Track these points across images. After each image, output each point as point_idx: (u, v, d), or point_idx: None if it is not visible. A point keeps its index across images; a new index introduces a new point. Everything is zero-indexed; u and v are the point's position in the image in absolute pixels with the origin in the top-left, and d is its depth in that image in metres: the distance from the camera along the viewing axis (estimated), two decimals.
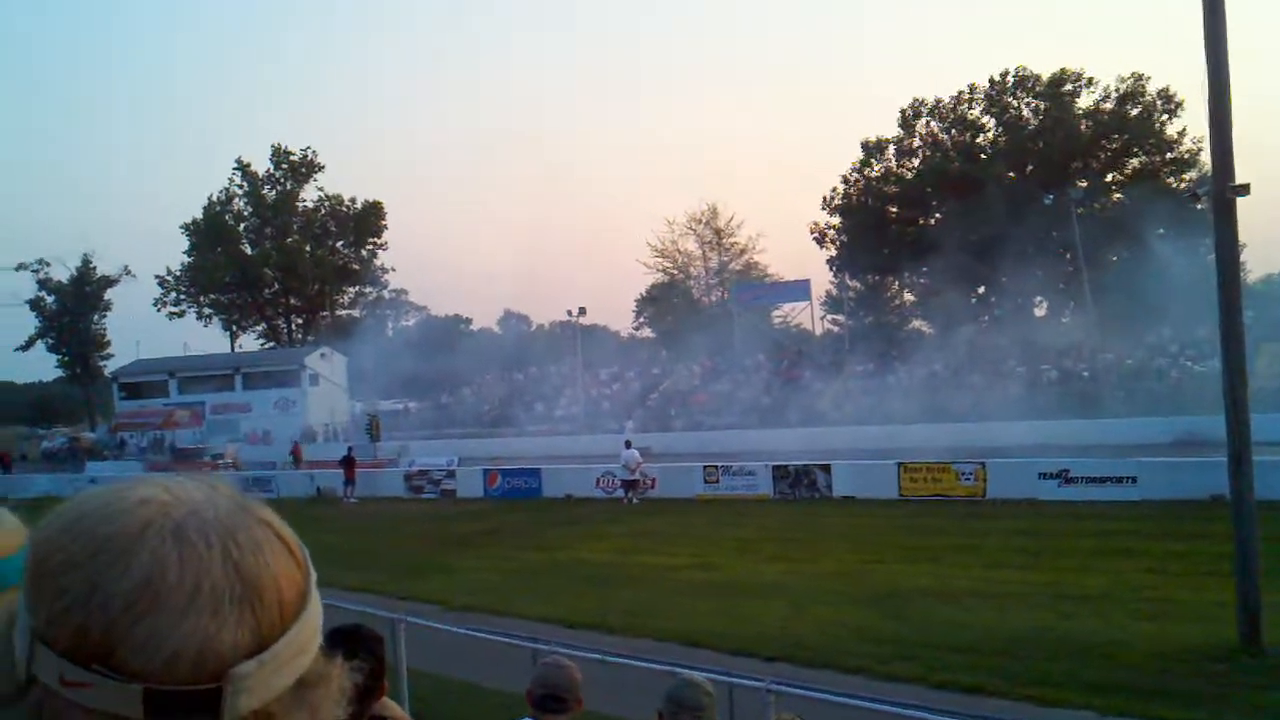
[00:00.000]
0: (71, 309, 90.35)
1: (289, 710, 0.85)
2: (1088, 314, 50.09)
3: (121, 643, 0.77)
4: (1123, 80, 68.79)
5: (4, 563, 1.16)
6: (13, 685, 0.83)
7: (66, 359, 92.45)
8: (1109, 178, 70.26)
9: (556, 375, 70.47)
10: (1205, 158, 63.96)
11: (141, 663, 0.77)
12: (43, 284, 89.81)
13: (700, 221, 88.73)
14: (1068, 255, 62.34)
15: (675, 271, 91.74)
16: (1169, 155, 68.31)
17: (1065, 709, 10.82)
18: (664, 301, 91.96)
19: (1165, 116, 67.90)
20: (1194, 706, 10.67)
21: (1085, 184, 65.52)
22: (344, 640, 3.61)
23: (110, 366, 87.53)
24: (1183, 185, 64.89)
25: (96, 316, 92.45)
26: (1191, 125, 66.65)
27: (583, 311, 63.59)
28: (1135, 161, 69.33)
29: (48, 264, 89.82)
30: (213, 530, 0.83)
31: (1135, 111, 68.13)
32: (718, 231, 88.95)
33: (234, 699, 0.79)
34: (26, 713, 0.82)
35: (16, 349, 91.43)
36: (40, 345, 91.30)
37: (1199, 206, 54.43)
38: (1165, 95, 67.57)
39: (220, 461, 54.10)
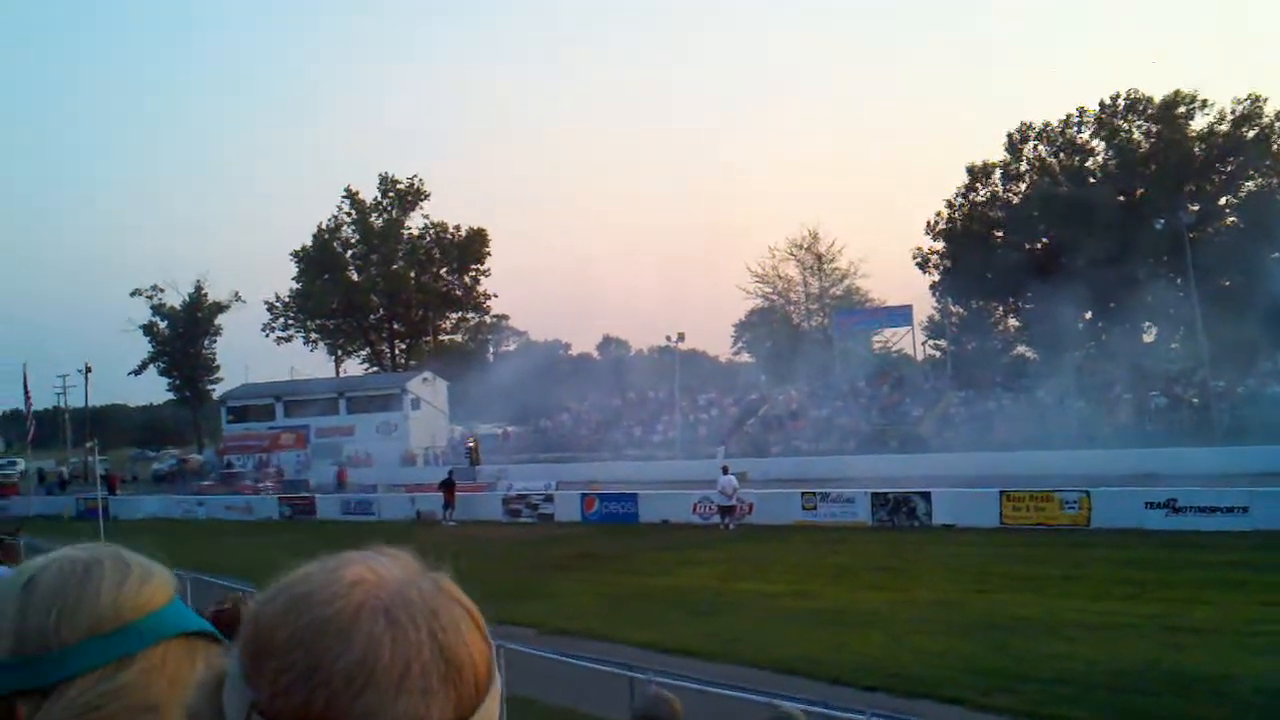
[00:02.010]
0: (183, 334, 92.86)
1: None
2: (1199, 340, 48.82)
3: (341, 718, 0.82)
4: (1239, 101, 66.88)
5: (157, 615, 1.19)
6: None
7: (177, 383, 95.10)
8: (1222, 201, 68.32)
9: (655, 400, 70.31)
10: None
11: None
12: (156, 309, 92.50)
13: (801, 246, 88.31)
14: (1178, 280, 60.57)
15: (775, 296, 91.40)
16: None
17: None
18: (763, 326, 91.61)
19: None
20: None
21: (1196, 208, 63.87)
22: None
23: (219, 390, 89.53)
24: None
25: (207, 341, 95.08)
26: None
27: (681, 337, 63.35)
28: (1251, 184, 67.43)
29: (161, 290, 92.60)
30: (418, 612, 0.88)
31: (1252, 134, 66.12)
32: (818, 256, 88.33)
33: None
34: None
35: (130, 373, 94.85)
36: (152, 369, 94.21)
37: None
38: None
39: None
